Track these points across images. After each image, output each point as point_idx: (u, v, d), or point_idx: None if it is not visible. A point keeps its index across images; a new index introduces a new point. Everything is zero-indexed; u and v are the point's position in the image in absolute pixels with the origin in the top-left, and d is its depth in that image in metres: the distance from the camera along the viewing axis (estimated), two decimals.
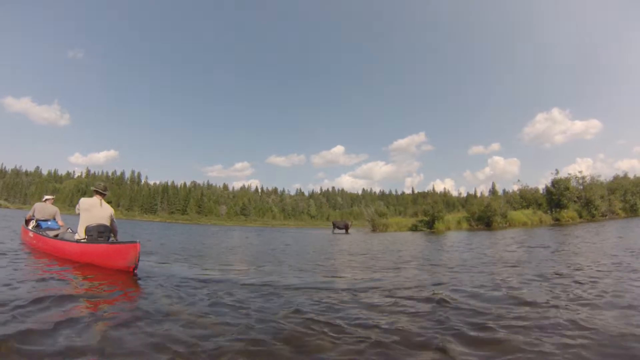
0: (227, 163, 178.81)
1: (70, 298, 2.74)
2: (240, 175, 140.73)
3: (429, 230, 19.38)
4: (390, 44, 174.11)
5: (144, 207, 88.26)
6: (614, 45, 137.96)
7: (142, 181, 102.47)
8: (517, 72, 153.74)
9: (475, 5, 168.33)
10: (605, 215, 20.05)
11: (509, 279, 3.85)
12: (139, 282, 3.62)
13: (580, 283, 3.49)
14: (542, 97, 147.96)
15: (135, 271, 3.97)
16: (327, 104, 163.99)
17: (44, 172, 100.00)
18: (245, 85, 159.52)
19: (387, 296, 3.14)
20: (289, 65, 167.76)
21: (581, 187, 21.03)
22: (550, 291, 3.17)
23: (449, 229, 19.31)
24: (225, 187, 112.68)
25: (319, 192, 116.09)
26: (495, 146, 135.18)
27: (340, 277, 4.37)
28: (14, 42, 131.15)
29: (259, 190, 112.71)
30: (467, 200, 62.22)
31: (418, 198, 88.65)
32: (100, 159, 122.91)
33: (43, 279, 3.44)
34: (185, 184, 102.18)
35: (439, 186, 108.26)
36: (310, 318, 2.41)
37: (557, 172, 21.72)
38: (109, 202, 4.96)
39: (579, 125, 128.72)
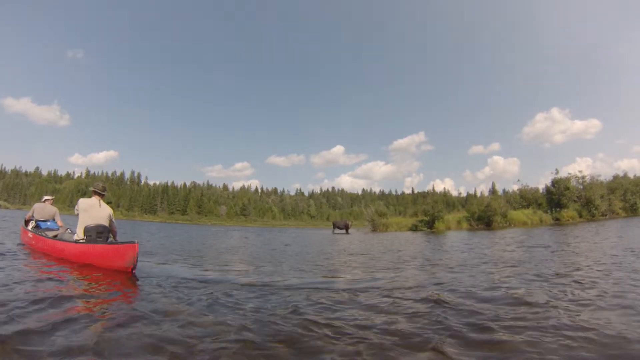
0: (227, 163, 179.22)
1: (69, 298, 2.74)
2: (240, 175, 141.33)
3: (429, 230, 19.37)
4: (390, 44, 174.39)
5: (143, 208, 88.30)
6: (614, 45, 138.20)
7: (142, 181, 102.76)
8: (516, 72, 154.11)
9: (475, 4, 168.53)
10: (606, 215, 20.04)
11: (508, 279, 3.84)
12: (138, 282, 3.62)
13: (580, 283, 3.48)
14: (541, 96, 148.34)
15: (133, 271, 3.96)
16: (327, 104, 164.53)
17: (44, 172, 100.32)
18: (245, 85, 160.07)
19: (386, 296, 3.13)
20: (289, 65, 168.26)
21: (581, 186, 21.00)
22: (550, 291, 3.16)
23: (449, 228, 19.30)
24: (225, 187, 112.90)
25: (318, 192, 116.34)
26: (495, 146, 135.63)
27: (339, 277, 4.37)
28: (14, 42, 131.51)
29: (259, 191, 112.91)
30: (467, 200, 62.25)
31: (418, 198, 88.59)
32: (100, 159, 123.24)
33: (42, 280, 3.44)
34: (185, 184, 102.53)
35: (439, 186, 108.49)
36: (309, 318, 2.41)
37: (557, 172, 21.73)
38: (108, 203, 4.96)
39: (578, 124, 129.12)
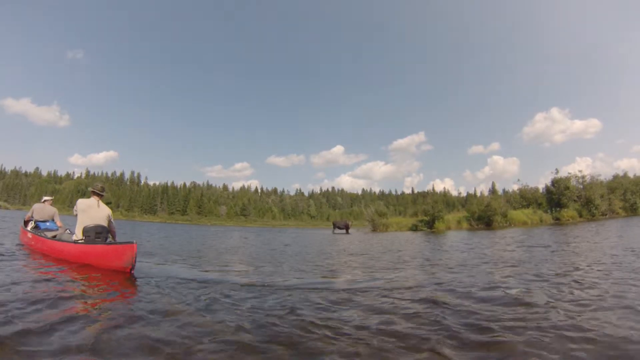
0: (226, 163, 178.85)
1: (67, 299, 2.74)
2: (240, 175, 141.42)
3: (429, 230, 19.37)
4: (390, 44, 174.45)
5: (143, 208, 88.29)
6: (614, 45, 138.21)
7: (142, 182, 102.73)
8: (516, 72, 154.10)
9: (475, 4, 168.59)
10: (606, 215, 20.05)
11: (508, 279, 3.83)
12: (136, 282, 3.61)
13: (580, 283, 3.47)
14: (541, 96, 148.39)
15: (132, 272, 3.96)
16: (327, 104, 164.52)
17: (44, 173, 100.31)
18: (245, 85, 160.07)
19: (385, 296, 3.13)
20: (289, 65, 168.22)
21: (581, 186, 21.00)
22: (550, 291, 3.15)
23: (449, 228, 19.30)
24: (225, 187, 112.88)
25: (318, 192, 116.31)
26: (495, 146, 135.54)
27: (339, 277, 4.36)
28: (14, 42, 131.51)
29: (259, 191, 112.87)
30: (467, 200, 62.24)
31: (418, 198, 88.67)
32: (100, 159, 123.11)
33: (40, 280, 3.43)
34: (185, 184, 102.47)
35: (439, 186, 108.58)
36: (307, 319, 2.40)
37: (557, 172, 21.73)
38: (108, 203, 4.97)
39: (578, 124, 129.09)
